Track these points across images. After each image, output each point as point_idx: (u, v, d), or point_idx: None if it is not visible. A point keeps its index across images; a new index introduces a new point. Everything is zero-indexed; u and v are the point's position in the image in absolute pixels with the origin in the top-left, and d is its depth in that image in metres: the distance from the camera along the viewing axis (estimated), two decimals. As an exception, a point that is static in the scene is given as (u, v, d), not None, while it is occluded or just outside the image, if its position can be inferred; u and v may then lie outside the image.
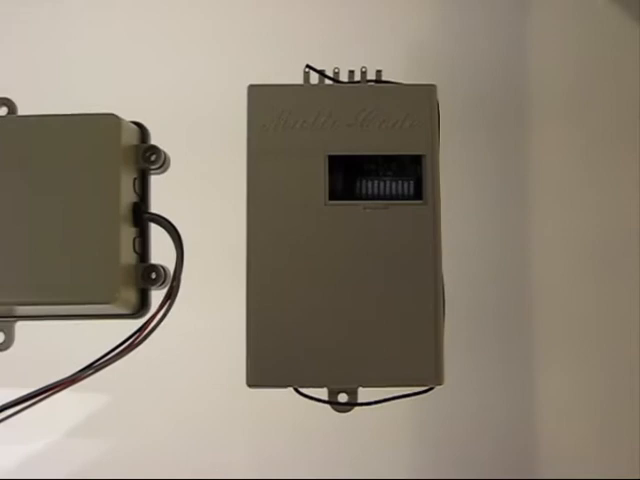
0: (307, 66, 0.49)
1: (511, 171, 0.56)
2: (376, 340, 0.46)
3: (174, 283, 0.47)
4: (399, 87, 0.49)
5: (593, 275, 0.55)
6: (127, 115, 0.48)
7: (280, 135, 0.47)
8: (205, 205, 0.53)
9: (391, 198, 0.48)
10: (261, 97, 0.48)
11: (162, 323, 0.47)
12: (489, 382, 0.54)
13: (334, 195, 0.47)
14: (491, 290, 0.55)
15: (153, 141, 0.51)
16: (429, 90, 0.48)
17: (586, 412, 0.53)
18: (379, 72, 0.49)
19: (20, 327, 0.49)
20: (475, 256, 0.55)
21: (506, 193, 0.55)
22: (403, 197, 0.48)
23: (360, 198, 0.48)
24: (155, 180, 0.51)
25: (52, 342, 0.52)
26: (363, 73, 0.49)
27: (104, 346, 0.47)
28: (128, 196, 0.48)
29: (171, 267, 0.48)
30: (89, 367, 0.46)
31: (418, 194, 0.48)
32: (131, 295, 0.49)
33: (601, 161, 0.56)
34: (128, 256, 0.47)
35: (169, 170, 0.51)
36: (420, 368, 0.45)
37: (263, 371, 0.45)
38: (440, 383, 0.45)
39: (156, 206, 0.51)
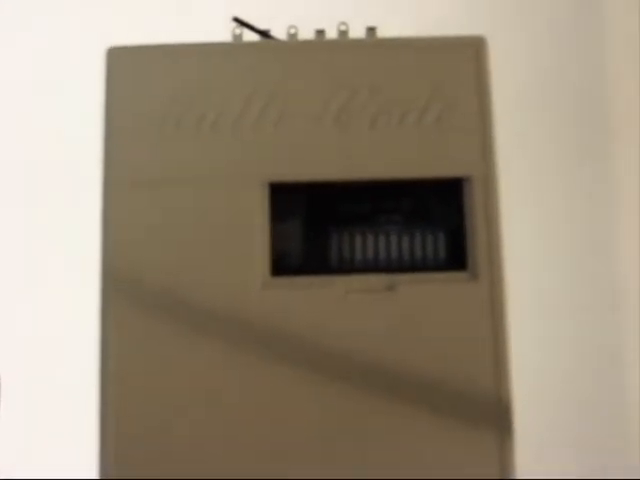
0: (235, 19, 0.33)
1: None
2: None
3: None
4: (413, 42, 0.31)
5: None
6: None
7: (171, 141, 0.30)
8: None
9: (400, 269, 0.30)
10: (132, 67, 0.31)
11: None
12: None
13: (282, 265, 0.30)
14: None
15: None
16: (475, 45, 0.31)
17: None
18: (371, 30, 0.33)
19: None
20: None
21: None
22: (426, 265, 0.30)
23: (338, 270, 0.30)
24: None
25: None
26: (342, 33, 0.32)
27: None
28: None
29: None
30: None
31: (456, 258, 0.30)
32: None
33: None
34: None
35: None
36: None
37: None
38: None
39: None
